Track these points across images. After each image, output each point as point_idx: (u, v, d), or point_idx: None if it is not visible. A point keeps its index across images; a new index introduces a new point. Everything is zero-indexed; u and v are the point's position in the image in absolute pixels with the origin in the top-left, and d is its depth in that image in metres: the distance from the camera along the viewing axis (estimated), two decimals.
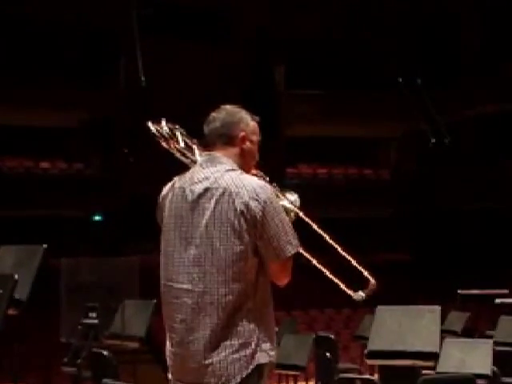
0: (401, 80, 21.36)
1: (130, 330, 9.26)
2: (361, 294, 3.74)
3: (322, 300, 18.03)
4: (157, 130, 3.73)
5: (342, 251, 3.84)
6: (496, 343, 8.42)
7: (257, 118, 3.61)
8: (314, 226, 3.81)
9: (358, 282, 3.86)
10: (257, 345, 3.36)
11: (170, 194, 3.52)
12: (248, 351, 3.34)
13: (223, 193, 3.34)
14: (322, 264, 3.69)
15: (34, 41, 18.99)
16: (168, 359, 3.51)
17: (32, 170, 18.97)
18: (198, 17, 20.53)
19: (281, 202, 3.65)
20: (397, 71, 21.23)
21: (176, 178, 3.56)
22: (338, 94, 20.86)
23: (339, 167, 21.73)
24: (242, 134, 3.51)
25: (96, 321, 9.52)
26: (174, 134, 3.76)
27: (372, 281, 3.76)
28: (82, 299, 11.73)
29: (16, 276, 4.45)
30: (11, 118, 18.21)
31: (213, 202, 3.35)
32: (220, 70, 20.18)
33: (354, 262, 3.83)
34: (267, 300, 3.47)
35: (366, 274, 3.79)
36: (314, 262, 3.70)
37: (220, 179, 3.38)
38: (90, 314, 9.60)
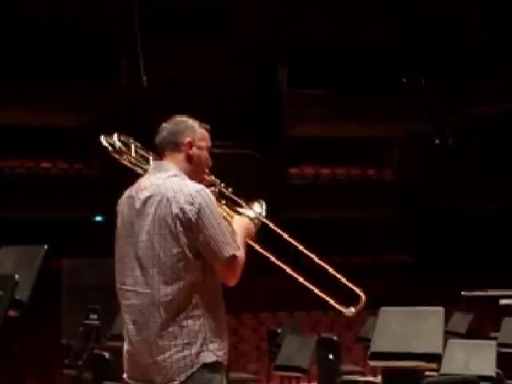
0: (404, 80, 21.26)
1: None
2: (351, 310, 3.87)
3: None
4: (109, 144, 3.87)
5: (331, 270, 3.95)
6: (500, 345, 8.35)
7: (206, 126, 3.77)
8: (285, 236, 3.93)
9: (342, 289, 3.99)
10: (202, 344, 3.48)
11: (123, 202, 3.72)
12: (193, 350, 3.46)
13: (162, 198, 3.52)
14: (310, 279, 3.85)
15: (34, 41, 18.91)
16: (123, 359, 3.66)
17: (32, 170, 18.81)
18: (199, 16, 20.43)
19: (242, 211, 3.85)
20: (400, 71, 21.14)
21: (130, 188, 3.74)
22: (341, 94, 20.73)
23: (342, 167, 21.62)
24: (188, 139, 3.68)
25: (97, 322, 9.58)
26: (129, 147, 3.91)
27: (363, 297, 3.88)
28: (83, 300, 11.71)
29: (17, 277, 4.38)
30: (11, 117, 18.12)
31: (153, 207, 3.53)
32: (222, 70, 20.10)
33: (343, 280, 3.95)
34: (216, 301, 3.59)
35: (357, 290, 3.91)
36: (301, 279, 3.89)
37: (161, 186, 3.56)
38: (91, 316, 9.67)
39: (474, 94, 20.31)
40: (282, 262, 3.84)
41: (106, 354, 7.79)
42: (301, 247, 3.96)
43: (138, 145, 3.93)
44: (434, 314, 6.44)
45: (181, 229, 3.46)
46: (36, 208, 17.71)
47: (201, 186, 3.57)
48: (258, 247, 3.84)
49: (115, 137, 3.88)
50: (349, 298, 3.99)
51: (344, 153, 21.48)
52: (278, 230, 3.91)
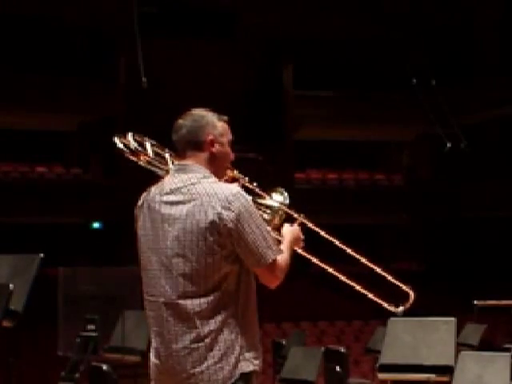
0: (414, 81, 21.15)
1: (131, 342, 9.27)
2: (401, 309, 3.83)
3: (332, 311, 17.84)
4: (124, 145, 3.71)
5: (367, 262, 3.89)
6: None
7: (225, 118, 3.60)
8: (310, 224, 3.81)
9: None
10: (239, 354, 3.38)
11: (144, 205, 3.54)
12: (230, 360, 3.36)
13: (194, 203, 3.36)
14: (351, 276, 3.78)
15: (33, 41, 19.02)
16: (151, 371, 3.53)
17: (28, 175, 18.80)
18: (202, 16, 20.54)
19: (265, 202, 3.77)
20: (410, 72, 21.01)
21: (150, 188, 3.56)
22: (348, 96, 20.74)
23: (350, 172, 21.64)
24: (210, 137, 3.50)
25: (95, 333, 9.54)
26: (144, 146, 3.74)
27: (411, 293, 3.91)
28: (80, 310, 11.76)
29: (11, 286, 4.45)
30: (6, 120, 18.16)
31: (184, 212, 3.37)
32: (225, 71, 20.08)
33: (385, 274, 3.93)
34: (250, 309, 3.47)
35: (404, 287, 3.90)
36: (353, 283, 3.83)
37: (192, 189, 3.40)
38: (89, 326, 9.82)
39: (487, 95, 20.20)
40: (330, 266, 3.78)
41: (104, 366, 7.74)
42: (336, 242, 3.90)
43: (153, 142, 3.75)
44: (445, 325, 6.48)
45: (217, 236, 3.31)
46: (31, 214, 17.75)
47: (237, 189, 3.41)
48: (304, 253, 3.73)
49: (130, 136, 3.69)
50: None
51: (352, 157, 21.43)
52: (304, 221, 3.78)
